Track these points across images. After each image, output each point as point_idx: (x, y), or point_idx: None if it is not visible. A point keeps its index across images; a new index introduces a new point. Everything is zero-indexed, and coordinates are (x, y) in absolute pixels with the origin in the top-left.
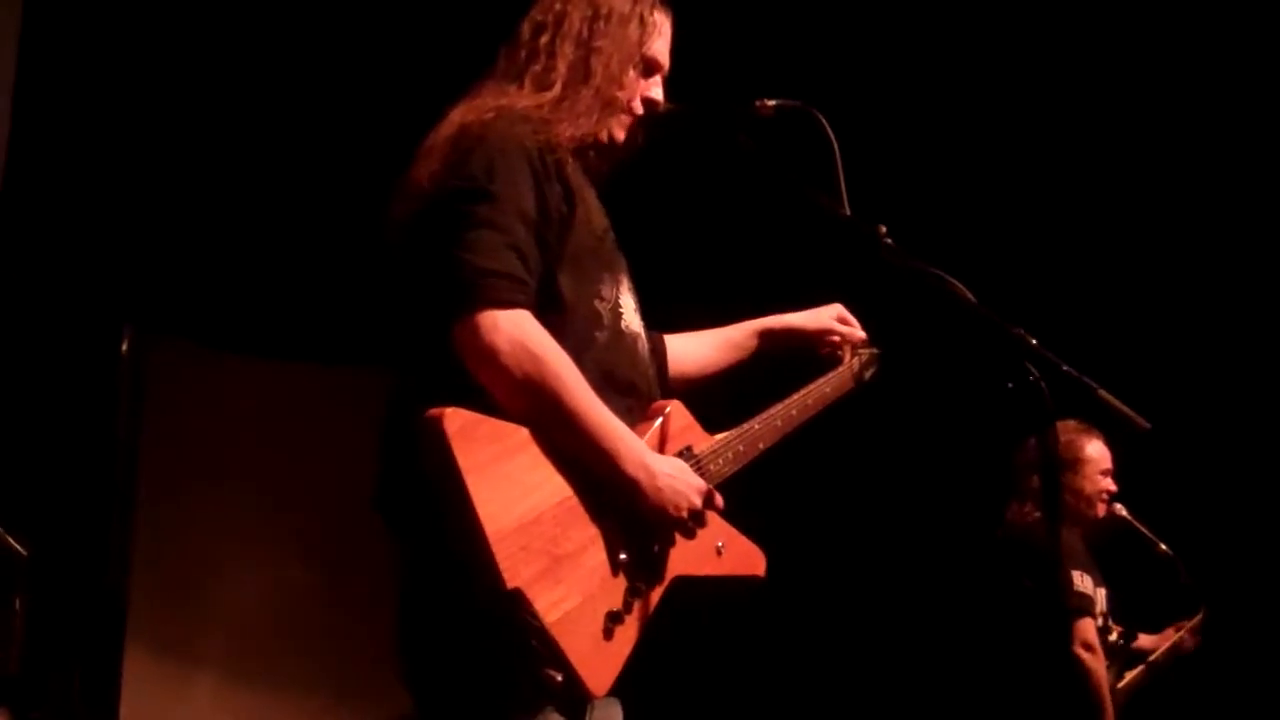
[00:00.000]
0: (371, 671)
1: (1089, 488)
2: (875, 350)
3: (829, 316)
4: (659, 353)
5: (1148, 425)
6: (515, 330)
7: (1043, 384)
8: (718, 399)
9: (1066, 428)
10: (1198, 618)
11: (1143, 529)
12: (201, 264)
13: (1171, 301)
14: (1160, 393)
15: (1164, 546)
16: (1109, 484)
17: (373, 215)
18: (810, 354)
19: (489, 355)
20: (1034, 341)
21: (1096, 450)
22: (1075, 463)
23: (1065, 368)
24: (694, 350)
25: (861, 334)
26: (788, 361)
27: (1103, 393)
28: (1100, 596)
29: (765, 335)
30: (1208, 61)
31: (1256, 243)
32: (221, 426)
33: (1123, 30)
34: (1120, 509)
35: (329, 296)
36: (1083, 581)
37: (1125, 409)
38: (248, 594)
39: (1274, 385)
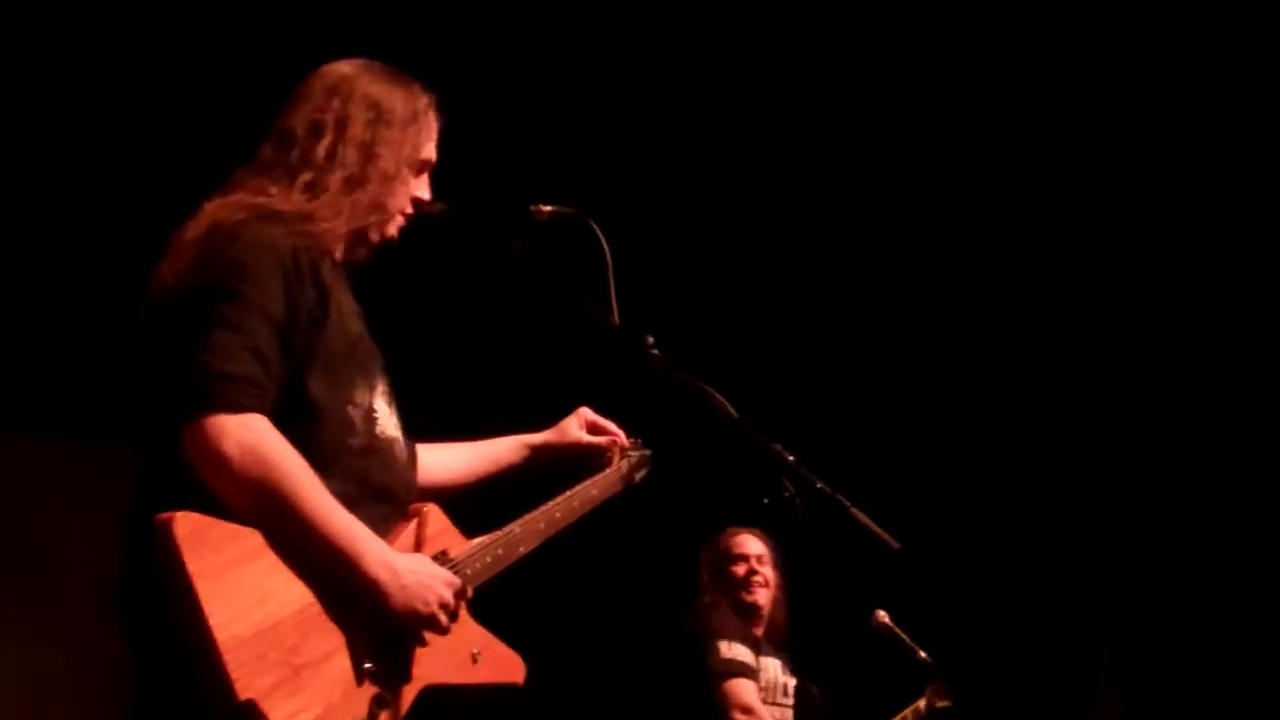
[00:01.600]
0: None
1: (732, 577)
2: (646, 452)
3: (576, 427)
4: (412, 459)
5: (898, 545)
6: (244, 435)
7: (797, 500)
8: (484, 501)
9: (730, 530)
10: (923, 698)
11: (902, 635)
12: None
13: (930, 420)
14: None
15: (922, 653)
16: (738, 569)
17: (128, 297)
18: (575, 463)
19: (215, 461)
20: (791, 458)
21: (737, 542)
22: (726, 556)
23: (819, 485)
24: (447, 461)
25: (617, 433)
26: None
27: (855, 511)
28: (771, 665)
29: (524, 450)
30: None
31: (1022, 358)
32: None
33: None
34: (883, 616)
35: (78, 372)
36: (730, 650)
37: (876, 528)
38: None
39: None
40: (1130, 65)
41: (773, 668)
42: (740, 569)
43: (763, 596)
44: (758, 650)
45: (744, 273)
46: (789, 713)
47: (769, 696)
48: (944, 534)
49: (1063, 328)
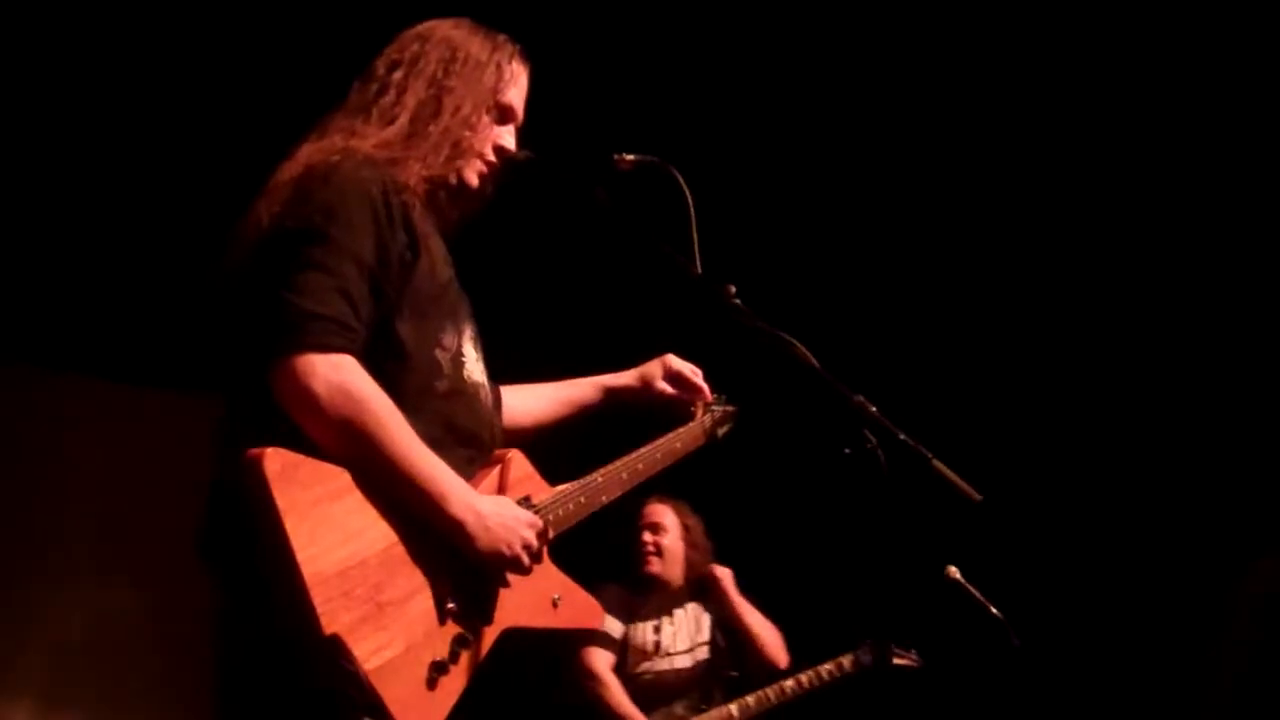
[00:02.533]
0: (195, 700)
1: (632, 547)
2: (730, 408)
3: (658, 372)
4: (498, 405)
5: (979, 497)
6: (333, 374)
7: (879, 451)
8: (568, 450)
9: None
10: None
11: (974, 592)
12: (34, 283)
13: (1010, 375)
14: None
15: (994, 610)
16: (636, 539)
17: (217, 243)
18: (657, 410)
19: (304, 400)
20: (873, 409)
21: (643, 513)
22: (634, 526)
23: (902, 436)
24: (529, 404)
25: (700, 385)
26: (643, 415)
27: (937, 463)
28: (643, 630)
29: (604, 393)
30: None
31: (1091, 321)
32: (48, 448)
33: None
34: (954, 572)
35: (172, 321)
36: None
37: (958, 480)
38: (70, 621)
39: (1100, 460)
40: (1142, 54)
41: (670, 628)
42: (637, 539)
43: (655, 565)
44: (633, 618)
45: (827, 223)
46: (687, 659)
47: (647, 655)
48: (1025, 488)
49: (1150, 278)
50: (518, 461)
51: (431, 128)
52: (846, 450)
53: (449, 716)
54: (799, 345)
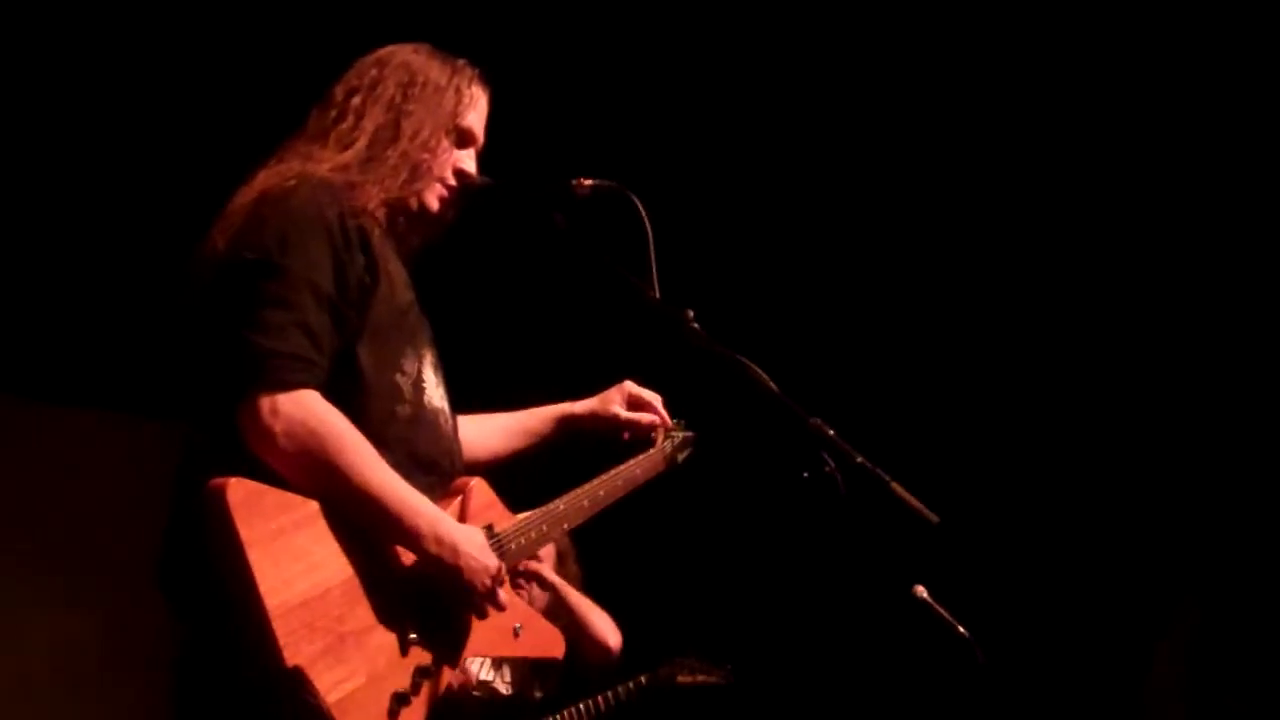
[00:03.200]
0: None
1: None
2: (690, 434)
3: (617, 400)
4: (456, 430)
5: (937, 519)
6: (295, 411)
7: (837, 474)
8: (528, 479)
9: None
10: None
11: (941, 611)
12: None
13: (966, 394)
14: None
15: (961, 629)
16: None
17: (176, 266)
18: (615, 438)
19: (268, 439)
20: (831, 432)
21: None
22: None
23: (860, 459)
24: (485, 435)
25: (659, 410)
26: (601, 444)
27: (895, 486)
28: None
29: (562, 422)
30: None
31: (1045, 340)
32: (12, 474)
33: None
34: (921, 591)
35: (134, 346)
36: None
37: (916, 503)
38: (30, 653)
39: (1064, 475)
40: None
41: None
42: None
43: None
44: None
45: (783, 247)
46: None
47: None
48: (981, 509)
49: (1110, 297)
50: (479, 490)
51: (389, 151)
52: (805, 474)
53: None
54: (756, 369)
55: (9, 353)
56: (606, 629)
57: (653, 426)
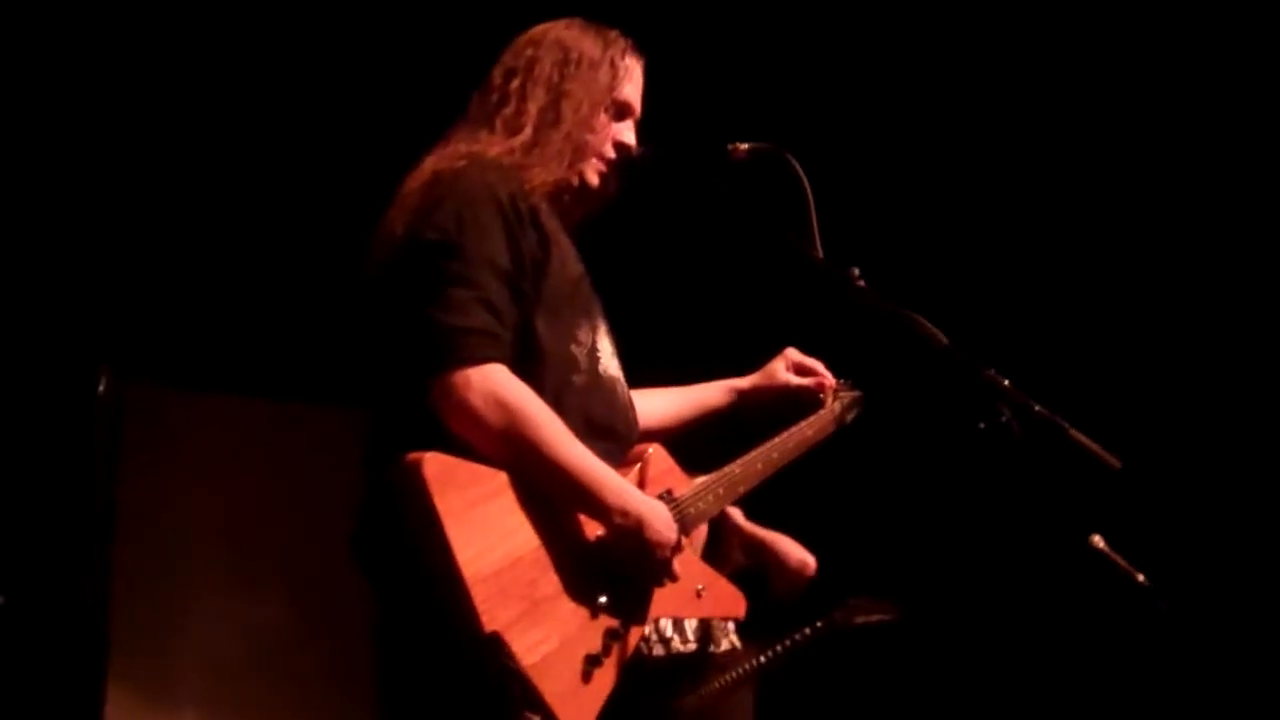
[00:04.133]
0: (349, 709)
1: None
2: (857, 393)
3: (783, 367)
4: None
5: (1119, 464)
6: (488, 386)
7: (1014, 424)
8: (698, 440)
9: None
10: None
11: (1119, 561)
12: (178, 304)
13: (1140, 339)
14: (1133, 430)
15: (1141, 577)
16: None
17: (352, 254)
18: (786, 405)
19: (464, 414)
20: (1005, 382)
21: None
22: None
23: (1037, 408)
24: (655, 407)
25: (824, 373)
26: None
27: (1074, 432)
28: None
29: (732, 395)
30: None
31: (1223, 285)
32: (200, 466)
33: (1093, 75)
34: (1099, 541)
35: (311, 335)
36: None
37: (1097, 448)
38: (227, 634)
39: (1240, 421)
40: None
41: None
42: None
43: None
44: None
45: (945, 199)
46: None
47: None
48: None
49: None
50: (658, 456)
51: (554, 134)
52: (981, 425)
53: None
54: (925, 322)
55: (189, 347)
56: (797, 549)
57: (821, 389)
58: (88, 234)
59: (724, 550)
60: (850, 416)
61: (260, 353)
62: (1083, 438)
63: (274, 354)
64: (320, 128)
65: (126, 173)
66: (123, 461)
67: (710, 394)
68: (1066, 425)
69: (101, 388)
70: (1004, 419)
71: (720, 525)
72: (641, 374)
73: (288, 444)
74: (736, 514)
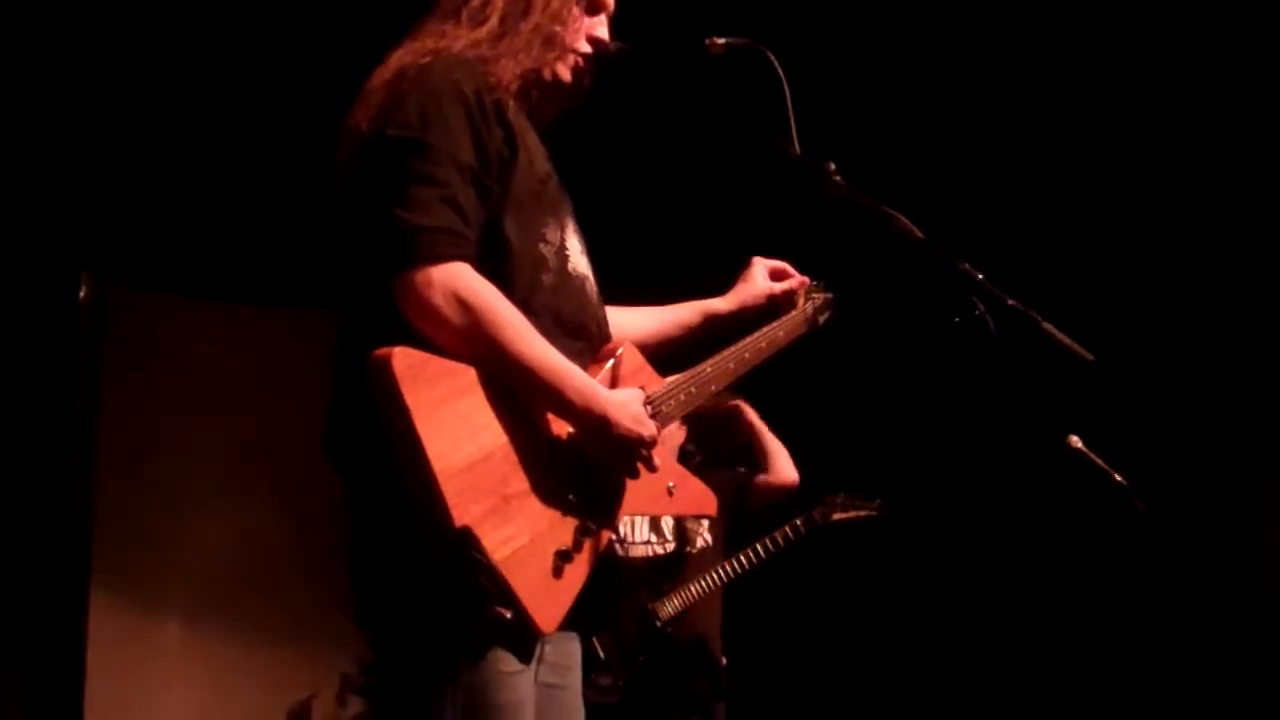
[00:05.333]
0: (337, 616)
1: None
2: (829, 295)
3: (758, 278)
4: (601, 296)
5: (1091, 357)
6: (450, 284)
7: (988, 318)
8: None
9: None
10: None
11: (1097, 460)
12: (160, 209)
13: (1114, 233)
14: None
15: (1118, 477)
16: None
17: (324, 157)
18: (762, 316)
19: (426, 313)
20: (980, 276)
21: None
22: None
23: (1010, 301)
24: (632, 322)
25: (794, 272)
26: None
27: (1047, 326)
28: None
29: (709, 318)
30: None
31: (1195, 185)
32: (183, 372)
33: None
34: (1076, 441)
35: (293, 239)
36: None
37: (1069, 341)
38: (212, 539)
39: (1214, 319)
40: None
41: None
42: None
43: None
44: None
45: (921, 95)
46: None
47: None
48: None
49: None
50: (629, 354)
51: (522, 25)
52: (956, 319)
53: (573, 602)
54: (901, 217)
55: (171, 252)
56: (789, 464)
57: (794, 290)
58: (70, 140)
59: (731, 431)
60: (823, 318)
61: (243, 257)
62: (1056, 331)
63: (257, 258)
64: (300, 27)
65: (108, 78)
66: (105, 367)
67: (690, 312)
68: (1039, 319)
69: (83, 293)
70: (978, 313)
71: (731, 413)
72: (618, 276)
73: (274, 348)
74: (747, 407)
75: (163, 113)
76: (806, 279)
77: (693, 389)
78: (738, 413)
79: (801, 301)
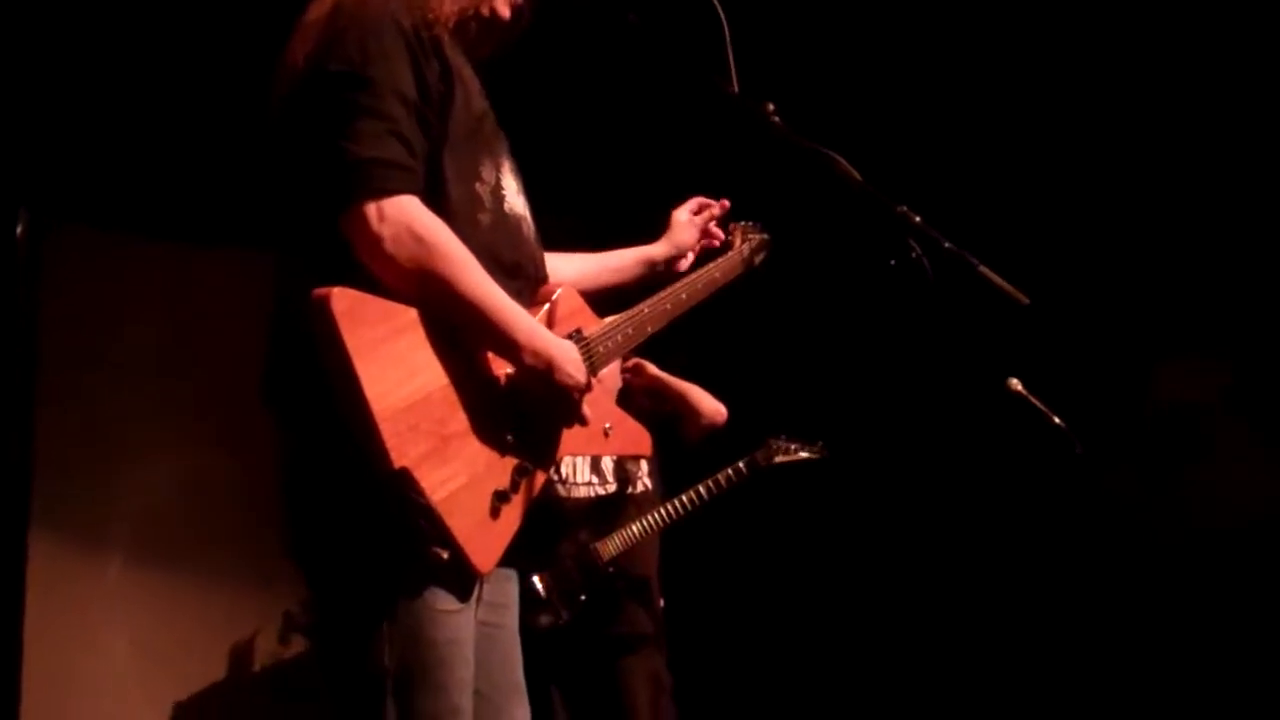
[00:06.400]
0: (280, 556)
1: None
2: (765, 236)
3: (688, 221)
4: (539, 237)
5: (1027, 300)
6: (400, 216)
7: (924, 260)
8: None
9: None
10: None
11: (1036, 403)
12: (97, 147)
13: (1051, 177)
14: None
15: (1056, 419)
16: None
17: (257, 92)
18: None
19: (375, 245)
20: (917, 219)
21: None
22: None
23: (947, 244)
24: (575, 269)
25: (715, 204)
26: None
27: (983, 269)
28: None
29: (646, 265)
30: None
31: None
32: (122, 311)
33: None
34: (1016, 384)
35: (238, 178)
36: None
37: (1005, 285)
38: (153, 476)
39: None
40: None
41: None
42: None
43: None
44: None
45: (860, 37)
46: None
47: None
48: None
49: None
50: (567, 295)
51: None
52: (892, 261)
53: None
54: (840, 159)
55: (110, 190)
56: (709, 399)
57: (735, 233)
58: (5, 76)
59: (630, 396)
60: (759, 259)
61: (185, 195)
62: (991, 274)
63: (199, 197)
64: None
65: (45, 13)
66: (43, 306)
67: (628, 260)
68: (976, 262)
69: (20, 231)
70: (915, 255)
71: (634, 373)
72: (553, 215)
73: (217, 289)
74: (645, 364)
75: (101, 47)
76: (726, 202)
77: (629, 330)
78: (640, 372)
79: (739, 242)
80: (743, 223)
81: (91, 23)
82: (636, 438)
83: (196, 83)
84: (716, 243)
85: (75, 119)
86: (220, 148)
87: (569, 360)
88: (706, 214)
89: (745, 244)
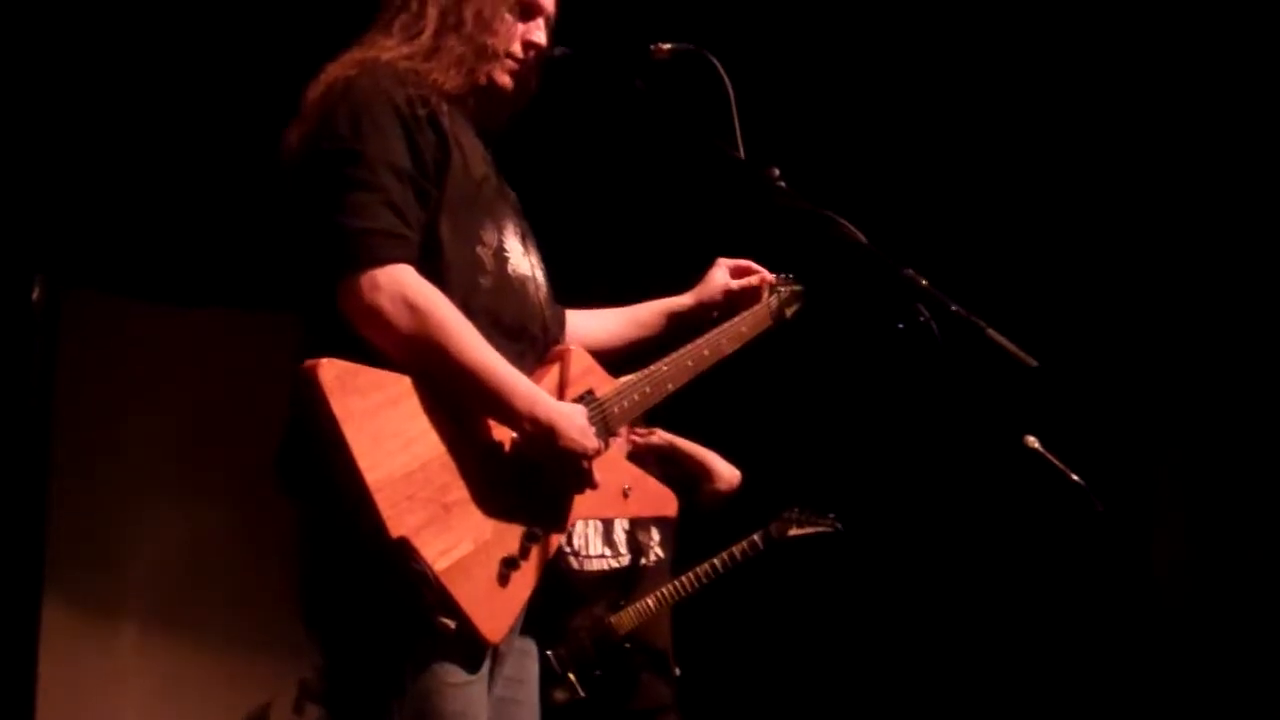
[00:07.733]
0: (292, 620)
1: None
2: (797, 287)
3: (720, 276)
4: (551, 297)
5: (1035, 363)
6: (395, 286)
7: (932, 324)
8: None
9: None
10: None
11: (1054, 460)
12: (113, 214)
13: (1062, 240)
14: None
15: (1075, 477)
16: None
17: (270, 164)
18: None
19: (372, 315)
20: (924, 282)
21: None
22: None
23: (954, 307)
24: (598, 325)
25: (760, 269)
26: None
27: (991, 332)
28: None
29: (671, 317)
30: None
31: (1139, 187)
32: (136, 375)
33: None
34: (1032, 441)
35: (242, 241)
36: None
37: (1013, 348)
38: (167, 545)
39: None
40: None
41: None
42: None
43: None
44: None
45: (864, 98)
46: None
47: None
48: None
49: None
50: (577, 356)
51: (453, 39)
52: (900, 325)
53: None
54: (845, 222)
55: (123, 256)
56: (725, 464)
57: (760, 285)
58: (23, 142)
59: (641, 461)
60: (790, 311)
61: (195, 261)
62: (999, 337)
63: (210, 261)
64: (258, 30)
65: (64, 80)
66: (58, 370)
67: (651, 313)
68: (984, 325)
69: (35, 296)
70: (923, 319)
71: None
72: (568, 281)
73: (229, 352)
74: (655, 430)
75: (118, 115)
76: (772, 275)
77: (647, 389)
78: (648, 439)
79: (766, 295)
80: (775, 275)
81: (109, 91)
82: (659, 498)
83: (209, 149)
84: (750, 300)
85: (92, 186)
86: (229, 214)
87: (573, 425)
88: (745, 281)
89: (774, 296)
